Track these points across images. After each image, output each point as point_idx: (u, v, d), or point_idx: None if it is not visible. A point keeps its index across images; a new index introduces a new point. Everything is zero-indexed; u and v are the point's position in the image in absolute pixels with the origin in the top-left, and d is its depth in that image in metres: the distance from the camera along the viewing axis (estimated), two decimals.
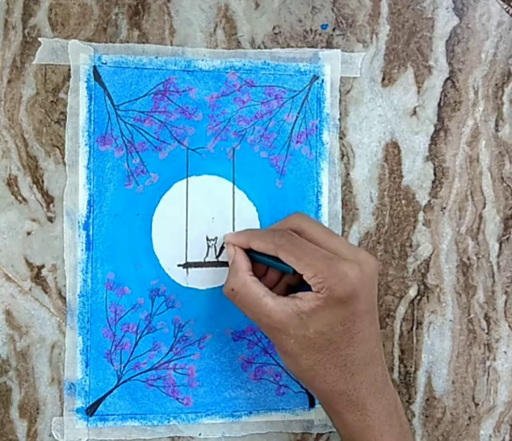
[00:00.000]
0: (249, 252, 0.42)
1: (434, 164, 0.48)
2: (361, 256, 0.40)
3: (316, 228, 0.41)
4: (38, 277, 0.45)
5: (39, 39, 0.45)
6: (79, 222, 0.45)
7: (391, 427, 0.40)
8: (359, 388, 0.39)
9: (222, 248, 0.46)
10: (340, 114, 0.47)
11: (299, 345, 0.39)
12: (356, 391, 0.39)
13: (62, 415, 0.45)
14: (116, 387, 0.46)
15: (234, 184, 0.47)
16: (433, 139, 0.48)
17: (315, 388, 0.41)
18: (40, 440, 0.45)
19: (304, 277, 0.39)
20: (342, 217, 0.47)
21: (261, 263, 0.42)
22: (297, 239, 0.40)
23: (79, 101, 0.45)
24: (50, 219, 0.45)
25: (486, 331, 0.49)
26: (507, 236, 0.49)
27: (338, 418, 0.40)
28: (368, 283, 0.39)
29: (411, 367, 0.48)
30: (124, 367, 0.46)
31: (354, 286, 0.38)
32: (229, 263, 0.42)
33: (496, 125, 0.49)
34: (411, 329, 0.48)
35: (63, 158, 0.45)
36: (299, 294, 0.39)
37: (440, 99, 0.48)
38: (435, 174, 0.48)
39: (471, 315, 0.49)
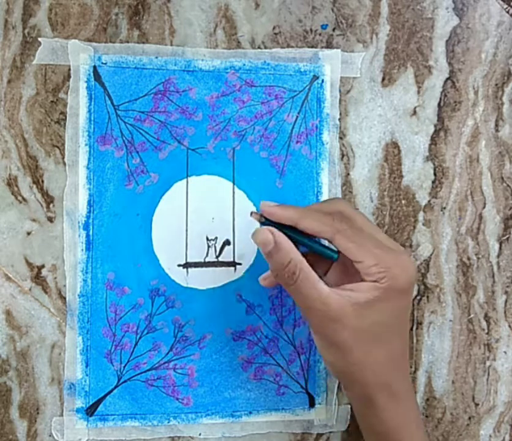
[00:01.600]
0: (289, 232, 0.38)
1: (434, 164, 0.48)
2: (403, 249, 0.41)
3: (360, 216, 0.40)
4: (38, 277, 0.45)
5: (39, 39, 0.45)
6: (79, 222, 0.45)
7: (421, 422, 0.41)
8: (400, 380, 0.39)
9: (222, 248, 0.46)
10: (340, 114, 0.47)
11: (353, 336, 0.37)
12: (397, 383, 0.39)
13: (62, 415, 0.45)
14: (116, 387, 0.46)
15: (234, 184, 0.47)
16: (433, 139, 0.48)
17: (362, 382, 0.39)
18: (40, 440, 0.45)
19: (360, 266, 0.37)
20: None
21: (303, 245, 0.39)
22: (356, 225, 0.39)
23: (79, 101, 0.45)
24: (50, 219, 0.45)
25: (486, 331, 0.49)
26: (507, 236, 0.49)
27: (376, 412, 0.39)
28: (416, 277, 0.40)
29: (411, 367, 0.48)
30: (124, 367, 0.46)
31: (414, 278, 0.39)
32: (269, 248, 0.37)
33: (496, 125, 0.49)
34: (411, 329, 0.48)
35: (63, 158, 0.45)
36: (351, 285, 0.37)
37: (440, 99, 0.48)
38: (435, 174, 0.48)
39: (471, 315, 0.49)
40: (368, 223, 0.40)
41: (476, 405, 0.49)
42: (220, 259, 0.46)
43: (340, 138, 0.47)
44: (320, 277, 0.38)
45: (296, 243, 0.38)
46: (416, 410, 0.41)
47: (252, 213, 0.39)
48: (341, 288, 0.37)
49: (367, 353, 0.38)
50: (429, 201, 0.48)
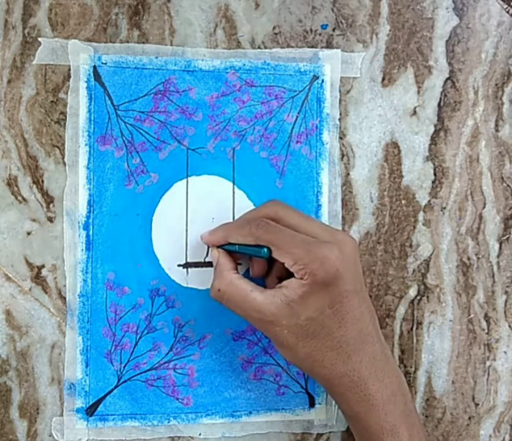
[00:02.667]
0: (224, 247, 0.43)
1: (434, 164, 0.48)
2: (339, 237, 0.40)
3: (292, 214, 0.41)
4: (38, 277, 0.45)
5: (39, 39, 0.45)
6: (79, 222, 0.45)
7: (395, 405, 0.40)
8: (359, 368, 0.39)
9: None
10: (340, 114, 0.47)
11: (293, 334, 0.39)
12: (356, 371, 0.39)
13: (62, 415, 0.45)
14: (116, 387, 0.46)
15: (234, 184, 0.47)
16: (433, 139, 0.48)
17: (316, 374, 0.41)
18: (40, 440, 0.45)
19: (286, 265, 0.39)
20: (342, 217, 0.47)
21: (238, 252, 0.42)
22: (274, 227, 0.40)
23: (79, 101, 0.45)
24: (50, 219, 0.45)
25: (486, 331, 0.49)
26: (507, 236, 0.49)
27: (343, 401, 0.40)
28: (350, 262, 0.39)
29: (411, 367, 0.48)
30: (124, 367, 0.46)
31: (336, 268, 0.38)
32: (214, 265, 0.42)
33: (496, 125, 0.49)
34: (411, 329, 0.48)
35: (63, 158, 0.45)
36: (284, 283, 0.39)
37: (440, 99, 0.48)
38: (435, 174, 0.48)
39: (471, 315, 0.49)
40: (300, 219, 0.41)
41: (476, 405, 0.49)
42: None
43: (340, 138, 0.47)
44: (280, 277, 0.42)
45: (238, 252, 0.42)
46: (389, 395, 0.40)
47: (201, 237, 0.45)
48: (278, 288, 0.39)
49: (311, 347, 0.39)
50: (429, 201, 0.48)
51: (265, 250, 0.39)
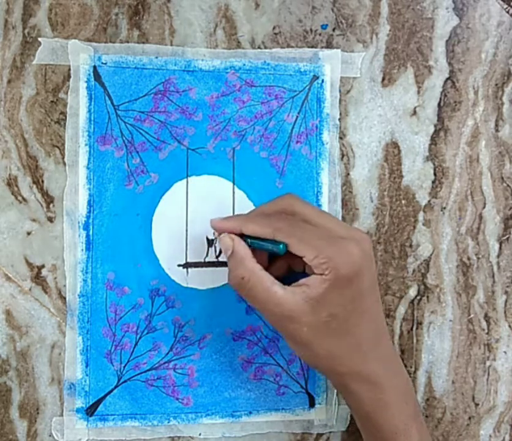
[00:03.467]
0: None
1: (434, 164, 0.48)
2: (356, 234, 0.39)
3: (309, 209, 0.40)
4: (38, 277, 0.45)
5: (39, 39, 0.45)
6: (79, 222, 0.45)
7: (407, 404, 0.40)
8: (375, 366, 0.39)
9: None
10: (340, 114, 0.47)
11: (313, 331, 0.38)
12: (373, 369, 0.39)
13: (62, 415, 0.45)
14: (116, 387, 0.46)
15: (234, 184, 0.47)
16: (433, 139, 0.48)
17: (333, 372, 0.40)
18: (40, 440, 0.45)
19: (305, 259, 0.37)
20: (342, 217, 0.47)
21: (252, 247, 0.40)
22: (295, 220, 0.39)
23: (79, 101, 0.45)
24: (50, 219, 0.45)
25: (486, 331, 0.49)
26: (507, 236, 0.49)
27: (356, 400, 0.40)
28: (369, 260, 0.39)
29: (411, 367, 0.48)
30: (124, 367, 0.46)
31: (358, 264, 0.37)
32: (228, 253, 0.40)
33: (496, 125, 0.49)
34: (411, 329, 0.48)
35: (63, 158, 0.45)
36: (303, 280, 0.38)
37: (440, 99, 0.48)
38: (435, 174, 0.48)
39: (471, 315, 0.49)
40: (316, 214, 0.40)
41: (476, 405, 0.49)
42: (220, 259, 0.46)
43: (340, 138, 0.47)
44: (278, 277, 0.39)
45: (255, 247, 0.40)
46: (402, 394, 0.40)
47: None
48: (297, 285, 0.38)
49: (330, 345, 0.38)
50: (429, 201, 0.48)
51: (282, 245, 0.38)
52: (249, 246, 0.40)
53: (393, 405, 0.39)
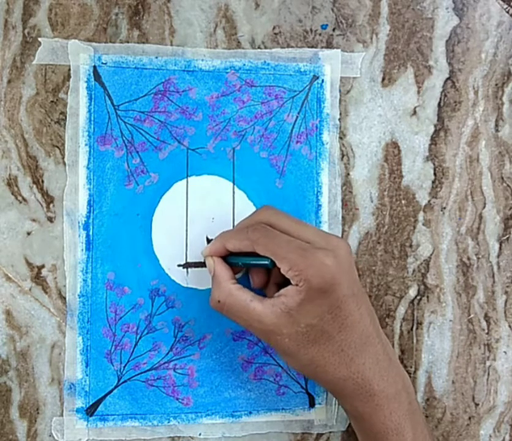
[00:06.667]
0: (227, 260, 0.42)
1: (434, 164, 0.48)
2: (333, 242, 0.39)
3: (285, 220, 0.41)
4: (38, 277, 0.45)
5: (39, 39, 0.45)
6: (79, 222, 0.45)
7: (399, 404, 0.40)
8: (362, 370, 0.39)
9: None
10: (340, 114, 0.47)
11: (294, 342, 0.39)
12: (359, 373, 0.39)
13: (62, 415, 0.45)
14: (116, 387, 0.46)
15: (234, 184, 0.47)
16: (433, 139, 0.48)
17: (320, 379, 0.41)
18: (40, 440, 0.45)
19: (282, 271, 0.38)
20: (342, 217, 0.47)
21: (241, 266, 0.42)
22: (271, 231, 0.40)
23: (79, 101, 0.45)
24: (50, 219, 0.45)
25: (486, 331, 0.49)
26: (507, 236, 0.49)
27: (348, 402, 0.41)
28: (345, 267, 0.39)
29: (411, 367, 0.48)
30: (124, 367, 0.46)
31: (332, 274, 0.37)
32: (211, 276, 0.42)
33: (496, 125, 0.49)
34: (411, 329, 0.48)
35: (63, 158, 0.45)
36: (282, 291, 0.38)
37: (440, 99, 0.48)
38: (435, 174, 0.48)
39: (471, 315, 0.49)
40: (292, 225, 0.40)
41: (476, 405, 0.49)
42: None
43: (340, 138, 0.47)
44: (278, 284, 0.41)
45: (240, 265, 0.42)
46: (394, 395, 0.40)
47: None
48: (276, 296, 0.39)
49: (313, 353, 0.39)
50: (429, 201, 0.48)
51: (269, 261, 0.39)
52: (239, 265, 0.42)
53: (384, 406, 0.39)
